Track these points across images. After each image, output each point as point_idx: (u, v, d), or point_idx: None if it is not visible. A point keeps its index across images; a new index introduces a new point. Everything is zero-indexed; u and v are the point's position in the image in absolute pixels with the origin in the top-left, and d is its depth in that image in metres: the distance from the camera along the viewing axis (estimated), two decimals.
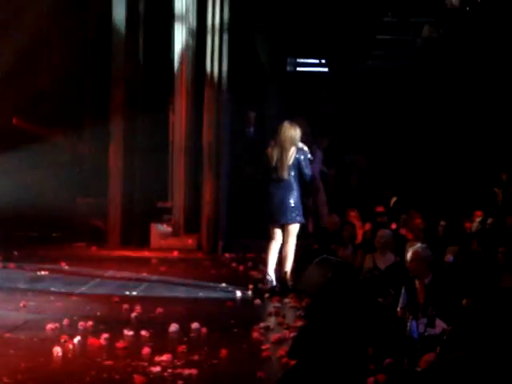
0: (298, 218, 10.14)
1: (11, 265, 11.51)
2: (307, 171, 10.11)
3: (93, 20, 14.17)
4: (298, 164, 10.03)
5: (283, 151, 10.03)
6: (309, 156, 10.18)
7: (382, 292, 8.19)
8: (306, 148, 10.19)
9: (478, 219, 10.62)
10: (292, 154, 10.03)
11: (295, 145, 10.06)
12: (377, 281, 8.82)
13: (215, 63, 13.11)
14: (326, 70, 16.14)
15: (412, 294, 7.20)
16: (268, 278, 10.04)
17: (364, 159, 15.02)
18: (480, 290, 7.63)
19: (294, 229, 10.15)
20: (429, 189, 13.80)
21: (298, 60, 16.18)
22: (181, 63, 13.43)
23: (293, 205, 10.05)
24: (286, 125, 10.12)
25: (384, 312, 7.61)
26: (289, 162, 10.02)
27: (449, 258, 9.10)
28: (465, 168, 14.25)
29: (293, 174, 10.05)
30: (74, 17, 14.04)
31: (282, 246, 10.15)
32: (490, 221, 10.46)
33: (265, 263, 10.27)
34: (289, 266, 10.11)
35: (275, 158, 10.07)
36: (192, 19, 13.38)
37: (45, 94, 14.16)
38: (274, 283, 10.01)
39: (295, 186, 10.08)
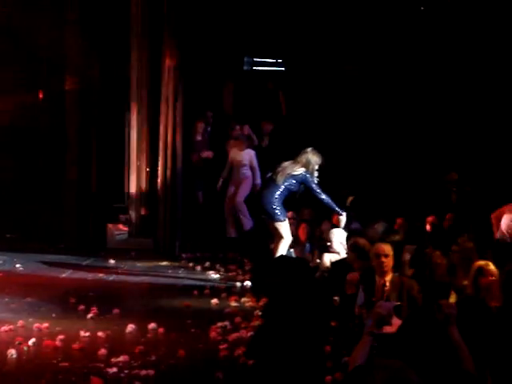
0: (276, 217, 10.19)
1: None
2: (319, 195, 10.15)
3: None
4: (300, 182, 10.15)
5: (293, 161, 10.22)
6: (313, 184, 10.21)
7: (339, 290, 8.22)
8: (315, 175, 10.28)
9: (430, 219, 10.73)
10: (298, 169, 10.17)
11: (307, 166, 10.18)
12: (333, 279, 8.85)
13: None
14: (282, 69, 16.16)
15: (369, 293, 7.23)
16: None
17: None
18: (434, 288, 7.68)
19: (276, 227, 10.21)
20: (385, 188, 13.87)
21: (255, 59, 16.20)
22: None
23: (273, 204, 10.12)
24: (309, 149, 10.29)
25: (341, 310, 7.63)
26: (291, 172, 10.14)
27: (406, 256, 9.14)
28: (420, 167, 14.35)
29: (287, 183, 10.15)
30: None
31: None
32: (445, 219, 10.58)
33: None
34: None
35: (281, 164, 10.26)
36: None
37: None
38: None
39: (281, 190, 10.16)
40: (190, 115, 13.84)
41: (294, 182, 10.19)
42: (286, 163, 10.27)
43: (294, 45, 15.25)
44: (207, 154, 14.13)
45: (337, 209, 10.13)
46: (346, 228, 10.05)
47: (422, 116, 14.71)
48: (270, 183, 10.27)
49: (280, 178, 10.15)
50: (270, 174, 10.39)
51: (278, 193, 10.15)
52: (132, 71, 13.55)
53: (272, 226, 10.25)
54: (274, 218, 10.18)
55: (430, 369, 4.42)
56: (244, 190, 13.22)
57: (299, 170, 10.19)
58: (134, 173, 13.68)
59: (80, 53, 13.46)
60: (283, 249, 10.18)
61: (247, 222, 12.96)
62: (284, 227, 10.21)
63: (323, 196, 10.14)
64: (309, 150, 10.31)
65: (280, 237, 10.17)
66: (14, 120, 14.04)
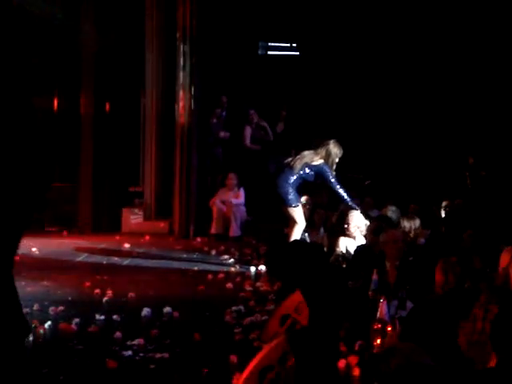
0: (290, 202, 10.20)
1: None
2: (335, 188, 10.11)
3: None
4: (316, 172, 10.15)
5: (313, 151, 10.20)
6: (331, 176, 10.17)
7: (353, 275, 8.22)
8: (332, 169, 10.24)
9: (444, 204, 10.69)
10: (317, 160, 10.15)
11: (327, 158, 10.16)
12: (348, 264, 8.86)
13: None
14: (296, 53, 16.13)
15: (383, 277, 7.23)
16: None
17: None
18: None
19: (290, 212, 10.23)
20: (400, 173, 13.85)
21: (270, 44, 16.17)
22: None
23: (287, 189, 10.14)
24: (331, 141, 10.27)
25: (355, 295, 7.63)
26: (309, 162, 10.13)
27: (420, 240, 9.15)
28: (434, 152, 14.31)
29: (304, 172, 10.16)
30: None
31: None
32: (457, 204, 10.54)
33: None
34: None
35: (301, 153, 10.25)
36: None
37: None
38: None
39: (296, 177, 10.17)
40: (205, 100, 13.85)
41: (311, 172, 10.19)
42: (306, 152, 10.26)
43: (308, 29, 15.21)
44: (224, 134, 14.15)
45: (352, 204, 10.08)
46: (365, 214, 10.03)
47: (437, 101, 14.66)
48: (286, 169, 10.26)
49: (297, 166, 10.15)
50: (288, 160, 10.36)
51: (293, 179, 10.16)
52: (147, 54, 13.58)
53: (286, 211, 10.26)
54: (287, 203, 10.19)
55: (444, 353, 4.43)
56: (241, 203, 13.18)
57: (318, 161, 10.18)
58: (149, 156, 13.71)
59: (95, 37, 13.51)
60: (297, 233, 10.20)
61: (236, 230, 12.94)
62: (298, 212, 10.22)
63: (340, 189, 10.11)
64: (331, 141, 10.29)
65: (294, 222, 10.19)
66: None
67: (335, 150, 10.22)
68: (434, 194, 12.20)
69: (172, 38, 13.34)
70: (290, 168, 10.20)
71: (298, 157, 10.22)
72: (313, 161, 10.17)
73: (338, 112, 14.92)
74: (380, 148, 14.58)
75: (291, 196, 10.18)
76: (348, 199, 10.06)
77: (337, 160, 10.26)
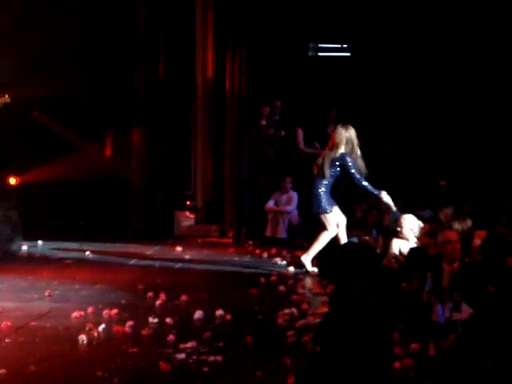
0: (322, 209, 10.18)
1: (36, 254, 11.62)
2: (354, 176, 10.10)
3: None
4: (341, 165, 10.13)
5: (331, 146, 10.22)
6: (351, 166, 10.14)
7: (407, 277, 8.14)
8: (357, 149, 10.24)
9: (505, 205, 10.52)
10: (339, 151, 10.16)
11: (347, 144, 10.18)
12: (401, 266, 8.78)
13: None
14: (347, 54, 16.03)
15: (437, 279, 7.14)
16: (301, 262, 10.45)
17: (387, 144, 14.90)
18: (505, 276, 7.55)
19: (321, 218, 10.23)
20: (459, 173, 13.68)
21: (320, 45, 16.10)
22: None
23: (320, 195, 10.11)
24: (342, 127, 10.31)
25: (409, 297, 7.56)
26: (333, 157, 10.16)
27: (477, 242, 9.01)
28: (489, 153, 14.09)
29: (333, 172, 10.17)
30: None
31: None
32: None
33: None
34: (307, 254, 10.38)
35: (322, 156, 10.32)
36: None
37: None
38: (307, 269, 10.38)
39: (327, 182, 10.18)
40: (256, 103, 13.85)
41: (338, 168, 10.16)
42: (326, 153, 10.22)
43: (359, 30, 15.11)
44: (279, 133, 14.13)
45: (374, 191, 10.03)
46: (418, 215, 9.93)
47: (489, 105, 14.43)
48: (315, 178, 10.25)
49: (326, 170, 10.13)
50: (315, 168, 10.33)
51: (325, 183, 10.16)
52: (197, 59, 13.62)
53: (319, 218, 10.24)
54: (321, 211, 10.18)
55: (504, 355, 4.36)
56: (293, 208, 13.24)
57: (339, 152, 10.15)
58: (200, 159, 13.74)
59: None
60: (325, 240, 10.19)
61: (282, 232, 13.00)
62: (330, 219, 10.18)
63: (358, 177, 10.07)
64: (341, 128, 10.26)
65: (324, 228, 10.18)
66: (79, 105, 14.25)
67: (350, 133, 10.19)
68: (493, 194, 12.02)
69: (223, 42, 13.37)
70: (319, 176, 10.17)
71: (321, 162, 10.17)
72: (335, 154, 10.12)
73: (390, 113, 14.78)
74: (436, 148, 14.40)
75: (324, 202, 10.18)
76: (369, 187, 10.03)
77: (356, 142, 10.19)
